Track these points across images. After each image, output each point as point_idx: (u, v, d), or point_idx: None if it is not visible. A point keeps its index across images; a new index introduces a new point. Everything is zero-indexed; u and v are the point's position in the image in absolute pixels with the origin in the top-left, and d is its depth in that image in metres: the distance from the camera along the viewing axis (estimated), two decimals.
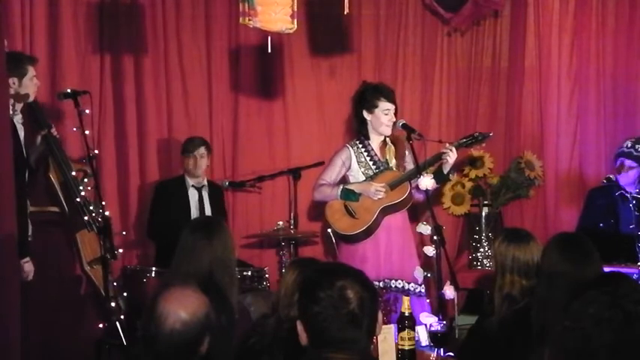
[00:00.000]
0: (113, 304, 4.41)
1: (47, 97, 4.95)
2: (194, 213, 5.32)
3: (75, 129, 4.61)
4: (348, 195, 4.83)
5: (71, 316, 4.94)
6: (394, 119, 4.87)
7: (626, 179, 5.18)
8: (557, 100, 6.15)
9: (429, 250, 4.72)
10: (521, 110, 6.23)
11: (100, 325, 4.53)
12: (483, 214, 6.06)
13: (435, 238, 4.58)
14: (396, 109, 4.91)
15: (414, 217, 5.42)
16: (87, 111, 4.66)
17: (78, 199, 4.55)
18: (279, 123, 5.91)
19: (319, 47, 5.93)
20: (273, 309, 3.10)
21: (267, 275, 5.06)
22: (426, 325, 3.69)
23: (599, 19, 6.10)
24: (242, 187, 5.68)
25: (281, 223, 5.24)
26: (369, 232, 4.83)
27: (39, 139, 4.45)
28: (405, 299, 3.35)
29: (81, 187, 4.53)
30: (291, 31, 4.20)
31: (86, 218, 4.49)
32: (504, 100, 6.32)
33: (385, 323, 3.32)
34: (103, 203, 4.51)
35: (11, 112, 3.95)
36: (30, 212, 4.32)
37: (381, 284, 4.73)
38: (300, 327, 2.14)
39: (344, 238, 4.91)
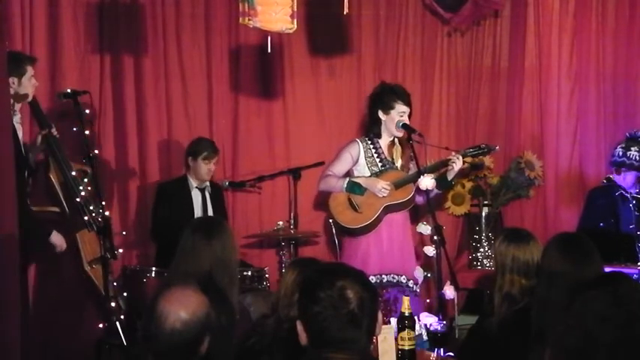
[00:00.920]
0: (113, 304, 4.41)
1: (47, 97, 4.95)
2: (197, 214, 5.31)
3: (75, 129, 4.61)
4: (354, 188, 4.89)
5: (71, 316, 4.93)
6: (408, 122, 4.90)
7: (624, 183, 5.20)
8: (557, 100, 6.15)
9: (429, 250, 4.72)
10: (521, 110, 6.23)
11: (100, 325, 4.53)
12: (483, 214, 6.06)
13: (435, 238, 4.59)
14: (410, 112, 4.94)
15: (414, 217, 5.43)
16: (87, 111, 4.67)
17: (78, 199, 4.55)
18: (279, 123, 5.91)
19: (319, 47, 5.93)
20: (273, 309, 3.10)
21: (267, 275, 5.06)
22: (426, 324, 3.70)
23: (599, 19, 6.10)
24: (242, 187, 5.68)
25: (281, 223, 5.25)
26: (370, 228, 4.88)
27: (39, 138, 4.45)
28: (405, 299, 3.36)
29: (81, 187, 4.53)
30: (291, 31, 4.20)
31: (86, 218, 4.49)
32: (504, 99, 6.32)
33: (385, 323, 3.32)
34: (103, 203, 4.51)
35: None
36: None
37: (386, 278, 4.76)
38: (300, 327, 2.14)
39: (345, 230, 4.97)
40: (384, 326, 3.10)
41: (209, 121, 5.74)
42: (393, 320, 3.48)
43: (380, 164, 4.97)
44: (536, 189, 6.12)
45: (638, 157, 5.11)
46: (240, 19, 4.11)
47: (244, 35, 5.63)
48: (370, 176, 4.93)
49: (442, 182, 4.89)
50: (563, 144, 6.15)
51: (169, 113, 5.62)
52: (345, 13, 4.36)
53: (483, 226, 6.04)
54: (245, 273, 4.94)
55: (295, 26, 4.14)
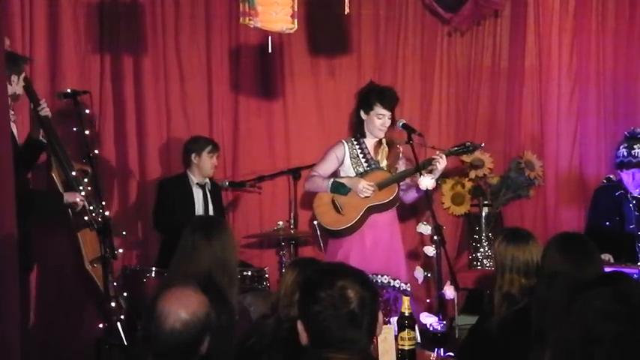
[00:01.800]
0: (113, 304, 4.40)
1: (47, 97, 4.93)
2: (198, 211, 5.32)
3: (75, 129, 4.61)
4: (338, 188, 4.90)
5: (71, 316, 4.94)
6: (387, 124, 4.92)
7: (633, 182, 5.10)
8: (557, 100, 6.15)
9: (429, 250, 4.72)
10: (521, 110, 6.23)
11: (100, 325, 4.53)
12: (483, 214, 6.06)
13: (435, 238, 4.58)
14: (393, 117, 4.95)
15: (414, 217, 5.43)
16: (87, 111, 4.67)
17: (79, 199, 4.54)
18: (279, 123, 5.91)
19: (319, 47, 5.93)
20: (273, 309, 3.10)
21: (267, 275, 5.06)
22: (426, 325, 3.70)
23: (599, 19, 6.10)
24: (242, 187, 5.68)
25: (281, 223, 5.25)
26: (352, 230, 4.89)
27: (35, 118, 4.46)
28: (405, 299, 3.36)
29: (81, 187, 4.53)
30: (291, 31, 4.19)
31: (86, 218, 4.49)
32: (504, 99, 6.32)
33: (385, 323, 3.32)
34: (103, 203, 4.51)
35: None
36: None
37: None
38: (300, 327, 2.14)
39: (328, 232, 4.98)
40: (384, 326, 3.10)
41: (209, 121, 5.74)
42: (393, 320, 3.48)
43: (366, 164, 4.97)
44: (536, 189, 6.11)
45: None
46: (241, 19, 4.11)
47: (244, 35, 5.63)
48: (355, 176, 4.93)
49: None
50: (563, 144, 6.14)
51: (169, 113, 5.62)
52: (345, 13, 4.35)
53: (483, 226, 6.04)
54: (245, 273, 4.94)
55: (296, 26, 4.14)
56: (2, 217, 3.31)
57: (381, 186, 4.89)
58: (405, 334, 3.26)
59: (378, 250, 4.91)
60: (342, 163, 5.00)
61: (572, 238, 3.25)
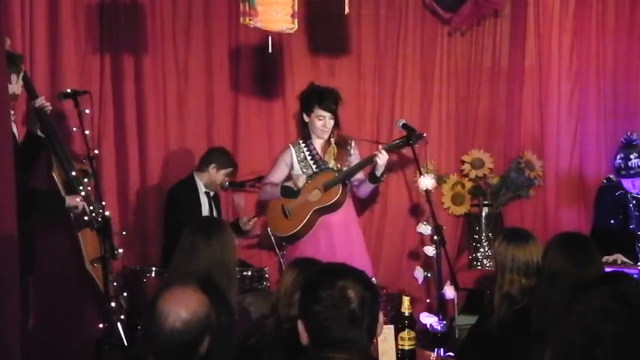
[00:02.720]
0: (113, 304, 4.41)
1: (47, 97, 4.92)
2: (205, 214, 5.31)
3: (75, 129, 4.60)
4: (287, 192, 4.91)
5: (71, 316, 4.93)
6: (330, 125, 4.95)
7: (634, 189, 5.09)
8: (557, 100, 6.14)
9: (429, 250, 4.73)
10: (521, 110, 6.22)
11: (100, 325, 4.53)
12: (483, 214, 6.05)
13: (435, 238, 4.59)
14: (336, 117, 4.96)
15: (415, 217, 5.42)
16: (87, 111, 4.67)
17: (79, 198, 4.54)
18: (279, 123, 5.91)
19: (319, 47, 5.93)
20: (273, 309, 3.10)
21: (267, 275, 5.07)
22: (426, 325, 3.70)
23: (599, 19, 6.10)
24: (242, 187, 5.67)
25: None
26: (302, 234, 4.95)
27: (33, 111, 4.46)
28: (405, 299, 3.36)
29: (81, 187, 4.53)
30: (291, 31, 4.19)
31: (86, 218, 4.49)
32: (504, 100, 6.31)
33: (385, 323, 3.32)
34: (103, 203, 4.51)
35: None
36: None
37: None
38: (300, 327, 2.14)
39: (281, 238, 5.06)
40: (384, 326, 3.10)
41: (209, 121, 5.74)
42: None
43: (314, 166, 5.01)
44: (536, 189, 6.11)
45: (639, 164, 5.06)
46: (241, 19, 4.11)
47: (244, 35, 5.63)
48: (301, 175, 4.97)
49: (372, 178, 4.92)
50: (563, 144, 6.14)
51: (169, 113, 5.62)
52: (345, 13, 4.35)
53: (483, 226, 6.04)
54: (245, 273, 4.94)
55: (296, 26, 4.14)
56: (3, 218, 3.31)
57: (327, 187, 4.90)
58: (405, 334, 3.27)
59: (336, 250, 4.89)
60: (291, 167, 5.04)
61: (572, 238, 3.25)
